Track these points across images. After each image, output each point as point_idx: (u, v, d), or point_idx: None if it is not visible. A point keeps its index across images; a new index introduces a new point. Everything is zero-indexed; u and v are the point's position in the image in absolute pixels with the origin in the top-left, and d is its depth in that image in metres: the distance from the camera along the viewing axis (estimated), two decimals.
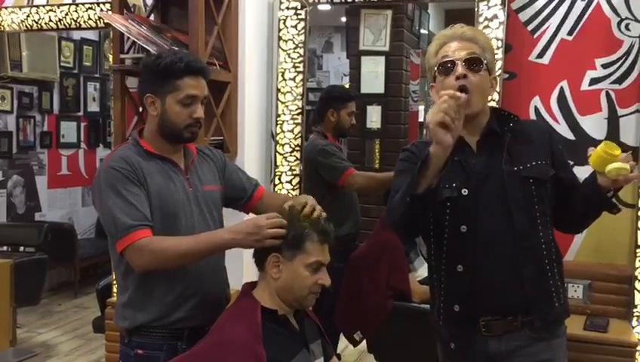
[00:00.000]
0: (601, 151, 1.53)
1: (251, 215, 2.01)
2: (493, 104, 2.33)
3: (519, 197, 1.67)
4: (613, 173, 1.52)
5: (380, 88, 4.47)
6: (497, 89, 2.40)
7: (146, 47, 2.38)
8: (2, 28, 3.25)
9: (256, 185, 2.04)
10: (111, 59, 2.72)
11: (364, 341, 2.93)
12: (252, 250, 1.77)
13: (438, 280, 1.78)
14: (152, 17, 2.81)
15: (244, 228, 1.68)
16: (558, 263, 1.76)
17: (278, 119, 2.86)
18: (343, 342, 3.14)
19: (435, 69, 1.73)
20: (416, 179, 1.54)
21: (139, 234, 1.68)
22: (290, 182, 2.87)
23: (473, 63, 1.69)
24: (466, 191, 1.67)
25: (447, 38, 1.74)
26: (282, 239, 1.68)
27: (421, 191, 1.55)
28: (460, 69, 1.67)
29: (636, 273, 2.52)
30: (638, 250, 2.49)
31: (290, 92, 2.85)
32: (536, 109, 2.68)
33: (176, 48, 2.35)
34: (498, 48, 2.48)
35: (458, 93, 1.54)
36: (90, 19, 3.08)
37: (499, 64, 2.44)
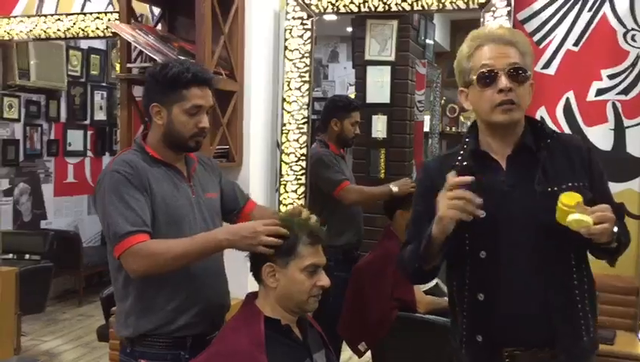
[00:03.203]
0: (559, 204, 1.43)
1: None
2: None
3: (550, 222, 1.45)
4: (574, 225, 1.41)
5: (385, 98, 4.49)
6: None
7: (153, 56, 2.40)
8: (11, 37, 3.28)
9: (248, 198, 2.06)
10: (118, 68, 2.73)
11: (369, 351, 2.92)
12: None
13: (460, 307, 1.66)
14: (159, 27, 2.83)
15: (241, 231, 1.69)
16: (590, 292, 1.63)
17: (283, 128, 2.87)
18: (347, 353, 3.13)
19: (474, 77, 1.55)
20: (423, 256, 1.55)
21: (136, 238, 1.67)
22: (295, 191, 2.87)
23: (518, 74, 1.53)
24: (484, 213, 1.47)
25: (483, 39, 1.56)
26: (275, 247, 1.67)
27: (429, 266, 1.58)
28: (504, 81, 1.51)
29: None
30: None
31: (296, 101, 2.85)
32: (542, 120, 2.67)
33: (182, 57, 2.36)
34: None
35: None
36: (97, 28, 3.11)
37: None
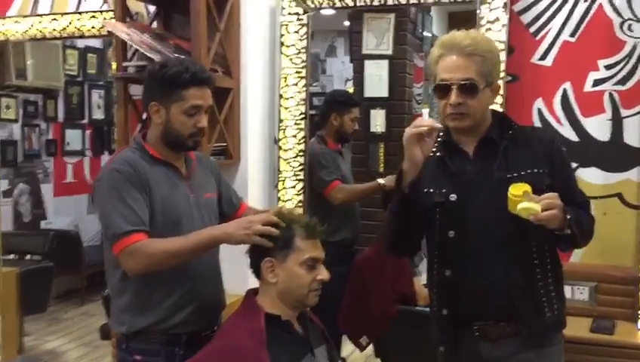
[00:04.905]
0: (509, 194, 1.54)
1: None
2: (496, 107, 2.32)
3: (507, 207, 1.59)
4: (524, 213, 1.51)
5: (383, 92, 4.47)
6: (501, 92, 2.35)
7: (149, 54, 2.39)
8: (6, 37, 3.27)
9: (241, 200, 2.08)
10: (114, 67, 2.73)
11: (371, 345, 2.93)
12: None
13: (431, 284, 1.82)
14: (154, 25, 2.82)
15: (235, 223, 1.73)
16: (555, 271, 1.73)
17: (281, 124, 2.87)
18: (349, 347, 3.14)
19: (432, 87, 1.72)
20: (396, 196, 1.68)
21: (133, 237, 1.68)
22: (294, 187, 2.87)
23: (469, 88, 1.65)
24: (454, 196, 1.69)
25: (447, 48, 1.69)
26: (272, 241, 1.67)
27: (398, 201, 1.69)
28: (453, 96, 1.65)
29: None
30: None
31: (293, 97, 2.85)
32: (540, 111, 2.68)
33: (180, 56, 2.36)
34: (501, 51, 2.47)
35: (437, 125, 1.60)
36: (93, 27, 3.09)
37: (501, 66, 2.42)
